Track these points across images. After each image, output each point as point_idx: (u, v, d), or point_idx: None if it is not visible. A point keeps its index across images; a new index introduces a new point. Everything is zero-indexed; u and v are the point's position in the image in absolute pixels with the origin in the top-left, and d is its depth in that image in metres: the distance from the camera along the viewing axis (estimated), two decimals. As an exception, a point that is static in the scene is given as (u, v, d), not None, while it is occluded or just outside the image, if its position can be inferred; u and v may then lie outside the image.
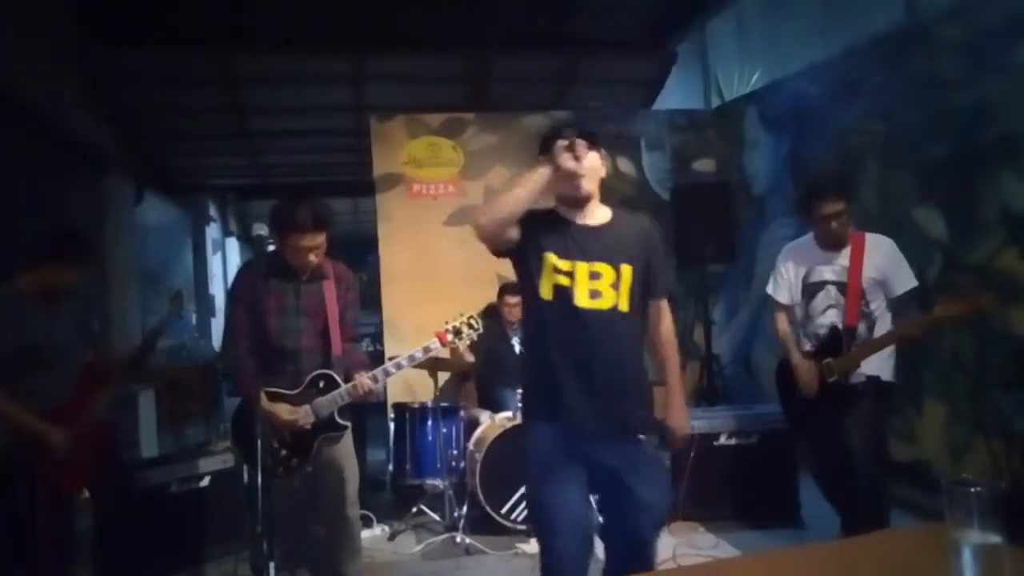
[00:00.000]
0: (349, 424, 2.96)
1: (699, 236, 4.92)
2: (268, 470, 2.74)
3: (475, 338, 3.04)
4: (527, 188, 2.14)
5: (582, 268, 2.17)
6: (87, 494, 2.97)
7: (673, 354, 2.38)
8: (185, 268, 10.50)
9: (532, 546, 3.66)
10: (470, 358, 4.43)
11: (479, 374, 4.72)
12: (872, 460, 2.99)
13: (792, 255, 3.31)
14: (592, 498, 2.36)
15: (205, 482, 3.77)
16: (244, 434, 2.82)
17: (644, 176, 5.85)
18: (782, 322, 3.35)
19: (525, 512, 3.78)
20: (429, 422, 4.27)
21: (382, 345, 5.32)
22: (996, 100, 3.57)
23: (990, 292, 3.17)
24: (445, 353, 3.66)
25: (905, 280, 3.06)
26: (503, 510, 3.89)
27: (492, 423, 4.19)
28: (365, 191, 5.97)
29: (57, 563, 2.78)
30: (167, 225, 9.46)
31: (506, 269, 2.42)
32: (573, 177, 2.16)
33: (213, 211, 11.89)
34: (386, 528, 4.16)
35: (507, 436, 3.89)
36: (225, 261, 12.93)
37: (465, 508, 4.00)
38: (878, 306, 3.08)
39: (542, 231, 2.21)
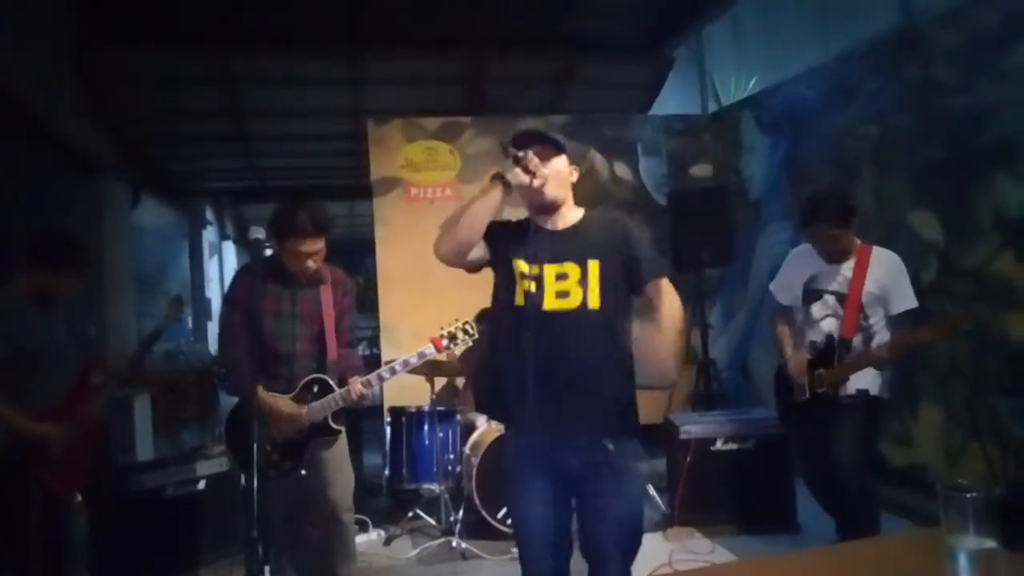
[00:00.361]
0: (343, 429, 2.95)
1: (696, 240, 4.92)
2: (262, 473, 2.74)
3: (470, 344, 3.03)
4: (479, 212, 2.12)
5: (549, 270, 2.14)
6: (80, 497, 2.96)
7: (672, 327, 2.15)
8: (181, 272, 10.48)
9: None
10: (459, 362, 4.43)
11: (474, 379, 4.72)
12: (857, 473, 2.98)
13: (798, 258, 3.30)
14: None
15: (200, 486, 3.75)
16: (238, 438, 2.82)
17: (641, 181, 5.87)
18: (780, 321, 3.35)
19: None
20: (425, 426, 4.27)
21: (379, 349, 5.32)
22: (991, 104, 3.58)
23: (965, 311, 3.19)
24: (442, 357, 3.65)
25: (905, 300, 3.01)
26: (499, 515, 3.88)
27: (488, 427, 4.18)
28: (362, 195, 5.97)
29: (51, 566, 2.77)
30: (163, 228, 9.45)
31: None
32: (528, 189, 2.13)
33: (210, 214, 11.88)
34: (382, 533, 4.15)
35: (503, 440, 3.88)
36: (222, 265, 12.92)
37: (461, 512, 3.99)
38: (877, 321, 3.06)
39: (511, 241, 2.19)
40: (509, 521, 3.83)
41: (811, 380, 3.11)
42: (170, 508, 3.61)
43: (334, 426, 2.91)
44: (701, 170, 5.96)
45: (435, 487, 4.13)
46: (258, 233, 2.85)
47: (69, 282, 2.94)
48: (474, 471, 3.92)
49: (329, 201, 6.49)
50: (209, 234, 11.94)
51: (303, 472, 2.87)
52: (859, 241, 3.13)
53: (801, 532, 3.76)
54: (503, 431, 3.90)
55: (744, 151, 5.65)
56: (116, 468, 3.64)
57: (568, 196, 2.24)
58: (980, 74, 3.64)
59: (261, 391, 2.77)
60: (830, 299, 3.13)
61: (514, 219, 2.30)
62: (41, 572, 2.72)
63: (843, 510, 3.06)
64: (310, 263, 2.83)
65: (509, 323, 2.17)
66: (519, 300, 2.16)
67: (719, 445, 3.95)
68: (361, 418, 4.62)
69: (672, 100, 7.59)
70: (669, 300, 2.18)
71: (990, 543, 1.10)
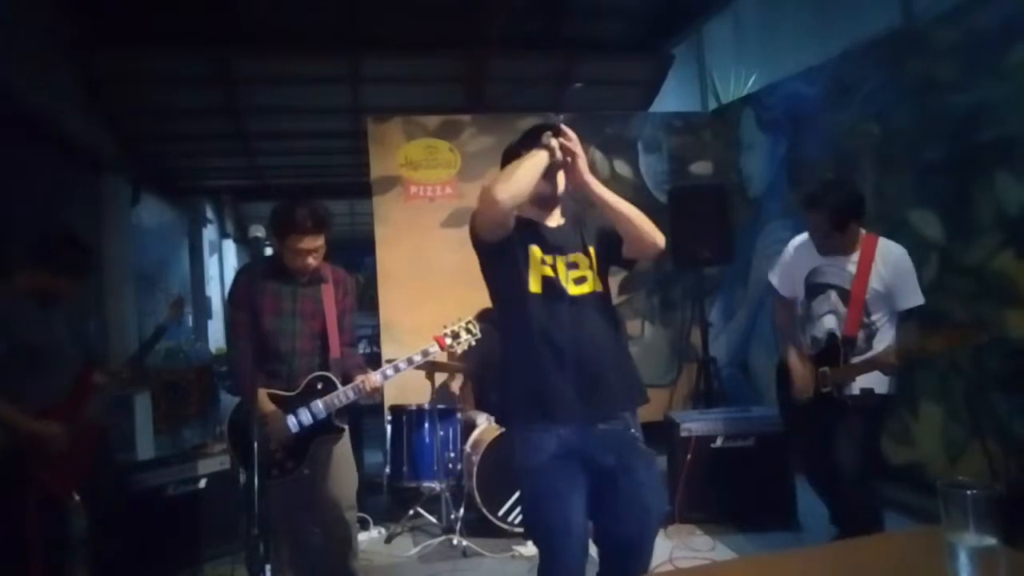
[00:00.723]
0: (346, 426, 2.96)
1: (696, 238, 4.92)
2: (264, 471, 2.74)
3: (473, 343, 3.03)
4: (535, 167, 2.13)
5: (560, 261, 2.21)
6: (78, 497, 2.96)
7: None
8: (182, 270, 10.48)
9: (529, 548, 3.67)
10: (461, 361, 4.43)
11: (476, 376, 4.72)
12: (862, 473, 2.94)
13: (800, 251, 3.18)
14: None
15: (201, 484, 3.77)
16: (240, 436, 2.82)
17: (641, 178, 5.86)
18: (782, 316, 3.28)
19: (521, 515, 3.77)
20: (426, 424, 4.27)
21: (379, 347, 5.32)
22: (991, 102, 3.58)
23: (979, 329, 3.05)
24: (442, 356, 3.66)
25: (912, 296, 2.93)
26: (500, 512, 3.88)
27: (489, 425, 4.19)
28: (362, 193, 5.97)
29: (49, 565, 2.77)
30: (163, 226, 9.45)
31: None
32: (560, 166, 2.19)
33: (210, 213, 11.88)
34: (383, 530, 4.16)
35: (504, 438, 3.88)
36: (222, 263, 12.92)
37: (462, 510, 4.00)
38: (879, 317, 2.97)
39: (521, 230, 2.23)
40: (510, 519, 3.86)
41: (815, 379, 3.05)
42: (171, 506, 3.63)
43: (338, 424, 2.91)
44: (701, 168, 5.96)
45: (436, 485, 4.14)
46: (258, 231, 2.85)
47: (71, 283, 2.95)
48: (475, 469, 3.92)
49: (329, 199, 6.50)
50: (209, 232, 11.94)
51: (306, 471, 2.88)
52: (863, 232, 3.01)
53: (801, 530, 3.77)
54: (502, 430, 3.92)
55: (744, 149, 5.65)
56: (115, 468, 3.64)
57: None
58: (980, 72, 3.64)
59: (262, 393, 2.77)
60: (832, 294, 3.04)
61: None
62: (40, 571, 2.73)
63: (848, 509, 3.02)
64: (311, 260, 2.84)
65: (528, 311, 2.16)
66: (535, 287, 2.18)
67: (719, 443, 3.95)
68: (362, 416, 4.63)
69: (672, 97, 7.59)
70: None
71: (990, 540, 1.10)
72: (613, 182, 5.78)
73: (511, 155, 2.30)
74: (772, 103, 5.31)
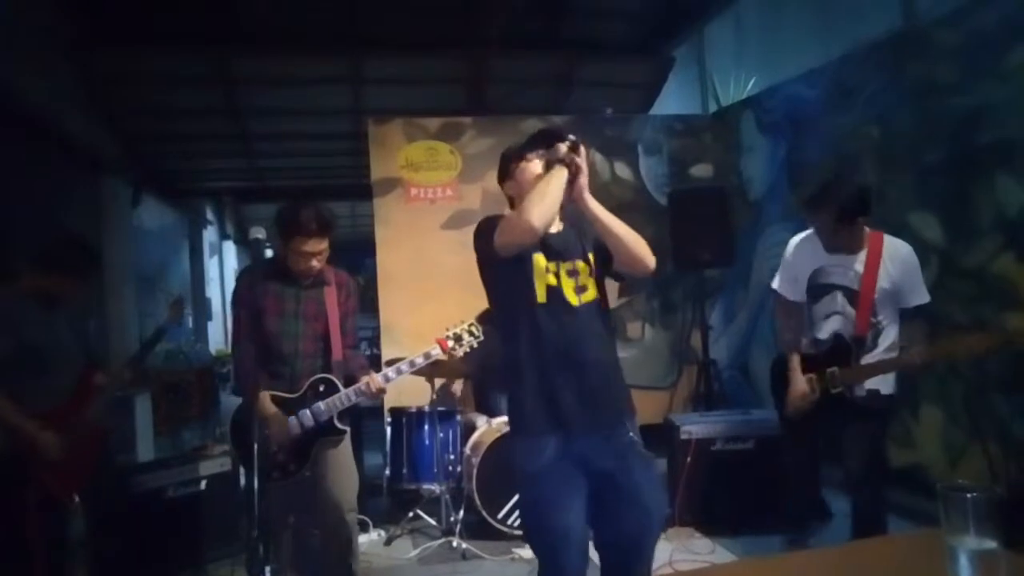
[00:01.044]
0: (348, 429, 2.96)
1: (697, 241, 4.92)
2: (265, 473, 2.74)
3: (475, 345, 3.02)
4: (559, 185, 2.11)
5: (562, 267, 2.21)
6: (78, 499, 2.96)
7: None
8: (182, 271, 10.49)
9: (528, 551, 3.66)
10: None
11: (476, 379, 4.72)
12: (872, 474, 2.93)
13: (802, 249, 3.10)
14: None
15: (202, 486, 3.76)
16: (242, 437, 2.82)
17: (641, 181, 5.86)
18: (787, 322, 3.19)
19: (520, 521, 3.76)
20: (426, 426, 4.27)
21: (379, 349, 5.32)
22: (992, 105, 3.58)
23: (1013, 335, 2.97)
24: (442, 357, 3.66)
25: (919, 294, 2.90)
26: (500, 515, 3.88)
27: (489, 427, 4.19)
28: (363, 195, 5.97)
29: (49, 566, 2.77)
30: (164, 228, 9.45)
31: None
32: (577, 175, 2.17)
33: (210, 214, 11.89)
34: (382, 533, 4.16)
35: (504, 440, 3.88)
36: (222, 264, 12.93)
37: (462, 513, 3.99)
38: (885, 316, 2.92)
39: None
40: (510, 521, 3.85)
41: (821, 380, 2.99)
42: (171, 508, 3.62)
43: (340, 426, 2.91)
44: (701, 170, 5.96)
45: (435, 487, 4.14)
46: (259, 233, 2.86)
47: (75, 284, 2.96)
48: (474, 471, 3.92)
49: (330, 201, 6.49)
50: (209, 234, 11.95)
51: (307, 473, 2.87)
52: (868, 229, 2.96)
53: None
54: (502, 432, 3.92)
55: (744, 151, 5.66)
56: (115, 471, 3.64)
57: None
58: (981, 74, 3.64)
59: (264, 395, 2.78)
60: (838, 295, 2.98)
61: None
62: (40, 572, 2.73)
63: (859, 510, 2.98)
64: (314, 263, 2.84)
65: (532, 320, 2.16)
66: (541, 296, 2.17)
67: (719, 445, 3.95)
68: (362, 418, 4.63)
69: (673, 100, 7.59)
70: None
71: (990, 543, 1.10)
72: (613, 184, 5.79)
73: (510, 159, 2.29)
74: (773, 106, 5.32)
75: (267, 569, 2.75)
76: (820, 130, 4.76)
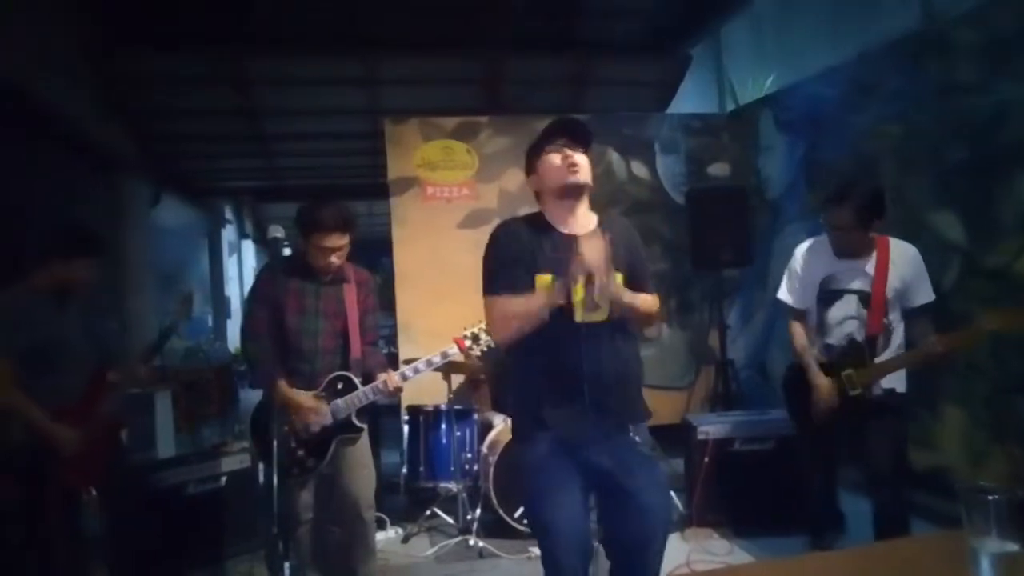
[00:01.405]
0: (366, 426, 2.98)
1: (714, 240, 4.90)
2: (284, 469, 2.77)
3: (492, 345, 3.03)
4: (532, 307, 2.09)
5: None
6: (94, 493, 3.00)
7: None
8: (201, 270, 10.59)
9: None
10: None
11: (492, 378, 4.73)
12: (896, 473, 2.93)
13: (810, 257, 3.14)
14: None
15: (221, 482, 3.80)
16: (262, 433, 2.85)
17: (659, 180, 5.85)
18: (799, 334, 3.18)
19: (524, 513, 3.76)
20: (443, 425, 4.29)
21: (396, 347, 5.34)
22: (1013, 103, 3.54)
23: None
24: (459, 356, 3.67)
25: (925, 293, 2.95)
26: (516, 514, 3.89)
27: (506, 427, 4.19)
28: (379, 194, 6.00)
29: (68, 559, 2.82)
30: (183, 227, 9.55)
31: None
32: (566, 179, 2.16)
33: (229, 213, 11.99)
34: (400, 530, 4.18)
35: (520, 443, 3.88)
36: (241, 263, 13.04)
37: (478, 511, 4.00)
38: (895, 316, 2.97)
39: (531, 250, 2.18)
40: (526, 521, 3.85)
41: (839, 383, 3.00)
42: (191, 504, 3.65)
43: (358, 423, 2.93)
44: (719, 169, 5.94)
45: (452, 486, 4.15)
46: (277, 232, 2.88)
47: (83, 271, 2.95)
48: (491, 470, 3.93)
49: (347, 200, 6.51)
50: (228, 233, 12.05)
51: (325, 470, 2.90)
52: (873, 234, 2.99)
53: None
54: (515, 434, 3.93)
55: (762, 150, 5.62)
56: (130, 464, 3.67)
57: (590, 186, 2.25)
58: (1001, 73, 3.60)
59: (283, 386, 2.81)
60: (852, 299, 3.00)
61: (524, 212, 2.33)
62: (60, 564, 2.77)
63: (882, 510, 2.97)
64: (334, 259, 2.87)
65: (533, 337, 2.14)
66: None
67: (737, 446, 3.93)
68: (379, 416, 4.65)
69: (690, 99, 7.56)
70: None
71: (1013, 546, 1.09)
72: (630, 184, 5.78)
73: (532, 154, 2.28)
74: (791, 104, 5.28)
75: (286, 565, 2.78)
76: (839, 129, 4.72)
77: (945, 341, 2.82)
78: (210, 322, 10.81)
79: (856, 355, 2.97)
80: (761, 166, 5.64)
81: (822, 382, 3.04)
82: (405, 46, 6.52)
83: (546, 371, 2.15)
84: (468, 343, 3.00)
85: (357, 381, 2.91)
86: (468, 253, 5.26)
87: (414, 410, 4.44)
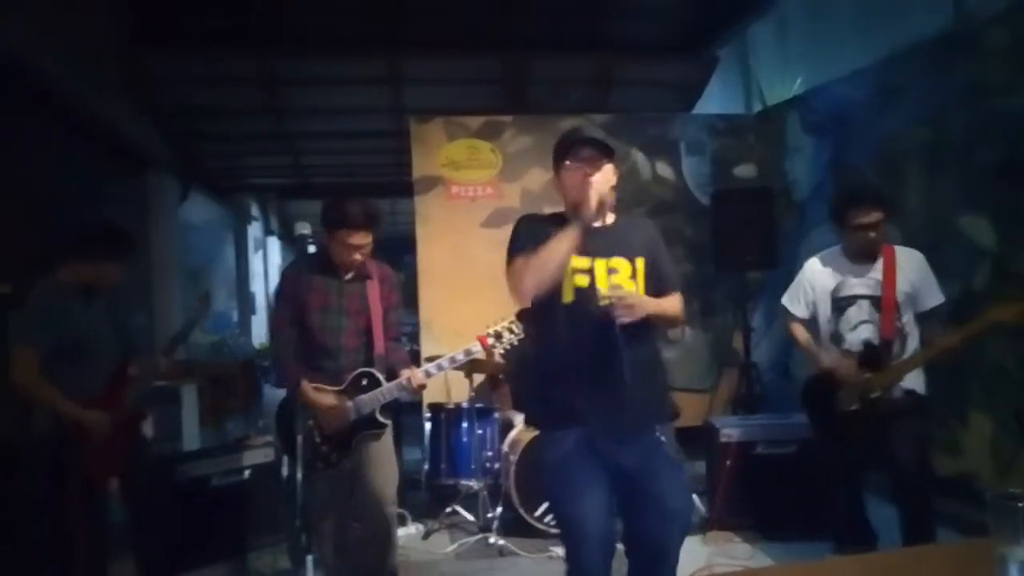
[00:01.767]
0: (389, 422, 3.00)
1: (739, 242, 4.88)
2: (308, 464, 2.79)
3: (515, 343, 3.04)
4: (561, 251, 2.13)
5: (600, 264, 2.21)
6: (117, 484, 3.06)
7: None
8: (227, 266, 10.71)
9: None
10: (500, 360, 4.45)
11: (514, 377, 4.73)
12: (921, 475, 2.95)
13: (819, 268, 3.22)
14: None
15: (245, 475, 3.84)
16: (287, 427, 2.88)
17: (683, 180, 5.82)
18: (799, 331, 3.28)
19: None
20: (464, 423, 4.30)
21: (419, 345, 5.37)
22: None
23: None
24: (481, 354, 3.68)
25: (934, 295, 3.03)
26: (537, 513, 3.89)
27: (526, 426, 4.20)
28: (403, 192, 6.03)
29: (91, 548, 2.87)
30: (210, 224, 9.66)
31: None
32: (585, 194, 2.17)
33: (255, 210, 12.11)
34: (420, 526, 4.20)
35: (542, 438, 3.89)
36: (266, 260, 13.16)
37: (499, 509, 4.01)
38: (908, 320, 3.04)
39: (554, 232, 2.21)
40: (547, 519, 3.86)
41: (858, 388, 3.01)
42: (216, 497, 3.70)
43: (381, 419, 2.95)
44: (745, 170, 5.90)
45: (473, 483, 4.16)
46: (304, 229, 2.91)
47: (111, 270, 3.01)
48: (512, 469, 3.94)
49: (371, 198, 6.56)
50: (254, 229, 12.17)
51: (348, 465, 2.92)
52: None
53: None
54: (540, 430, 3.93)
55: (790, 152, 5.57)
56: (155, 456, 3.72)
57: (610, 200, 2.29)
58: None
59: (307, 387, 2.83)
60: (864, 304, 3.07)
61: (548, 211, 2.38)
62: (83, 554, 2.83)
63: (902, 518, 2.97)
64: (357, 256, 2.89)
65: (558, 320, 2.20)
66: (567, 296, 2.19)
67: (760, 449, 3.90)
68: (401, 413, 4.68)
69: (716, 99, 7.50)
70: (682, 313, 2.36)
71: (1042, 554, 1.08)
72: (654, 184, 5.76)
73: (555, 162, 2.31)
74: (819, 106, 5.23)
75: (309, 558, 2.81)
76: (868, 131, 4.67)
77: (956, 334, 2.87)
78: (235, 317, 10.92)
79: (873, 358, 3.00)
80: (788, 168, 5.60)
81: (841, 363, 3.06)
82: (430, 46, 6.55)
83: (572, 364, 2.18)
84: (491, 341, 3.00)
85: (381, 377, 2.93)
86: (491, 252, 5.27)
87: (435, 408, 4.47)
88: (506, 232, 2.34)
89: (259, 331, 11.34)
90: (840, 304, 3.14)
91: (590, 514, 2.12)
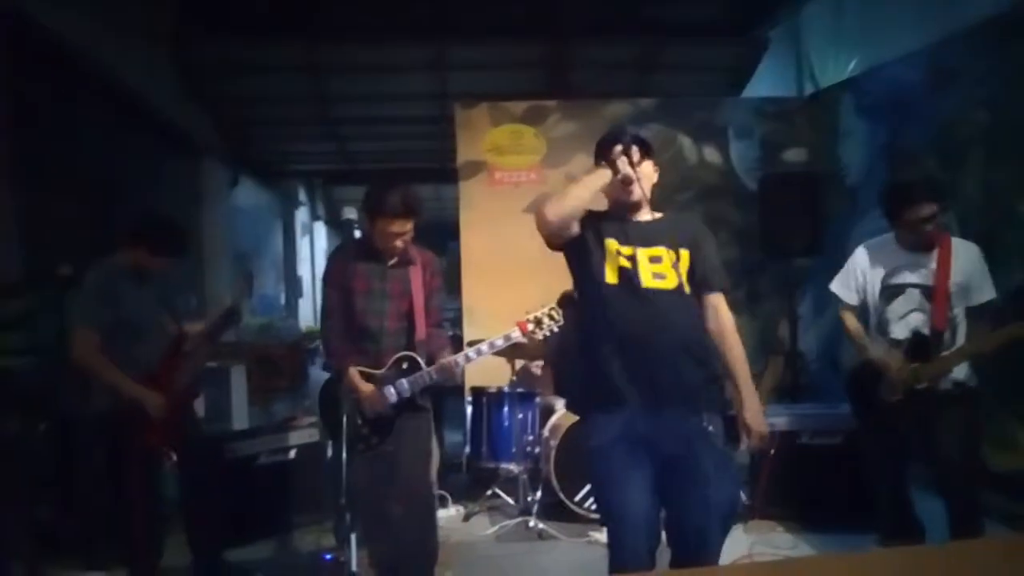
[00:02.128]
0: (430, 406, 3.03)
1: (786, 228, 4.77)
2: (350, 445, 2.84)
3: (555, 329, 3.04)
4: (588, 188, 2.24)
5: (642, 253, 2.24)
6: (174, 457, 3.19)
7: (736, 345, 2.30)
8: (275, 250, 10.92)
9: (605, 535, 3.67)
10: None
11: (555, 362, 4.73)
12: (968, 468, 2.89)
13: (870, 255, 3.16)
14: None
15: (291, 455, 3.93)
16: (330, 409, 2.93)
17: (731, 165, 5.73)
18: (851, 320, 3.21)
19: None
20: (505, 407, 4.32)
21: (461, 330, 5.41)
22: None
23: None
24: (522, 339, 3.68)
25: (987, 290, 2.96)
26: (576, 498, 3.90)
27: (568, 411, 4.20)
28: (447, 178, 6.06)
29: (147, 516, 3.01)
30: (259, 208, 9.86)
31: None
32: (628, 182, 2.24)
33: (302, 196, 12.31)
34: (461, 509, 4.25)
35: (586, 422, 3.88)
36: (312, 244, 13.37)
37: (539, 493, 4.03)
38: (960, 311, 2.97)
39: (600, 223, 2.30)
40: (587, 504, 3.87)
41: (906, 376, 2.95)
42: (263, 474, 3.80)
43: (421, 403, 2.99)
44: (795, 155, 5.77)
45: (513, 467, 4.19)
46: (350, 214, 2.95)
47: (165, 262, 3.17)
48: (552, 453, 3.95)
49: (416, 183, 6.61)
50: (301, 214, 12.38)
51: (389, 447, 2.96)
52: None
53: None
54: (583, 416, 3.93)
55: (842, 136, 5.43)
56: (206, 434, 3.82)
57: (649, 198, 2.33)
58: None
59: (353, 373, 2.88)
60: (915, 293, 3.01)
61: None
62: (141, 522, 2.96)
63: (949, 511, 2.92)
64: (398, 243, 2.92)
65: (603, 301, 2.22)
66: (611, 278, 2.23)
67: (805, 439, 3.84)
68: (443, 397, 4.73)
69: (765, 82, 7.33)
70: (725, 314, 2.32)
71: (1096, 551, 1.04)
72: (701, 169, 5.67)
73: (596, 158, 2.34)
74: (872, 88, 5.08)
75: (352, 536, 2.87)
76: (923, 115, 4.52)
77: (991, 339, 2.84)
78: (283, 300, 11.14)
79: (922, 349, 2.94)
80: (840, 152, 5.45)
81: (890, 357, 3.01)
82: (474, 31, 6.54)
83: (617, 347, 2.19)
84: (531, 327, 3.00)
85: (422, 361, 2.96)
86: (534, 238, 5.22)
87: (477, 391, 4.49)
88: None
89: (306, 314, 11.55)
90: (889, 292, 3.08)
91: (634, 500, 2.12)
